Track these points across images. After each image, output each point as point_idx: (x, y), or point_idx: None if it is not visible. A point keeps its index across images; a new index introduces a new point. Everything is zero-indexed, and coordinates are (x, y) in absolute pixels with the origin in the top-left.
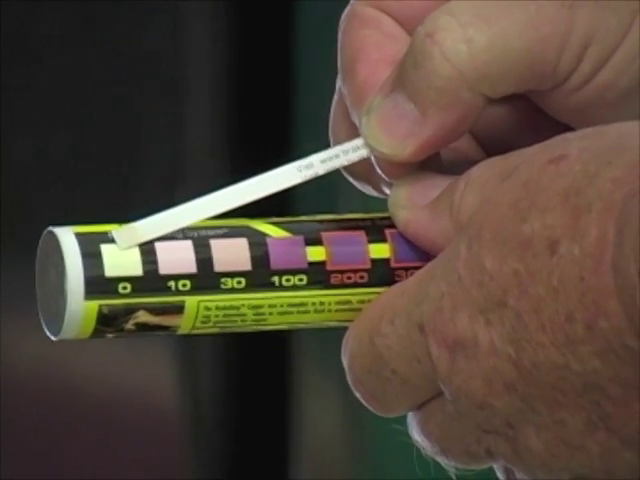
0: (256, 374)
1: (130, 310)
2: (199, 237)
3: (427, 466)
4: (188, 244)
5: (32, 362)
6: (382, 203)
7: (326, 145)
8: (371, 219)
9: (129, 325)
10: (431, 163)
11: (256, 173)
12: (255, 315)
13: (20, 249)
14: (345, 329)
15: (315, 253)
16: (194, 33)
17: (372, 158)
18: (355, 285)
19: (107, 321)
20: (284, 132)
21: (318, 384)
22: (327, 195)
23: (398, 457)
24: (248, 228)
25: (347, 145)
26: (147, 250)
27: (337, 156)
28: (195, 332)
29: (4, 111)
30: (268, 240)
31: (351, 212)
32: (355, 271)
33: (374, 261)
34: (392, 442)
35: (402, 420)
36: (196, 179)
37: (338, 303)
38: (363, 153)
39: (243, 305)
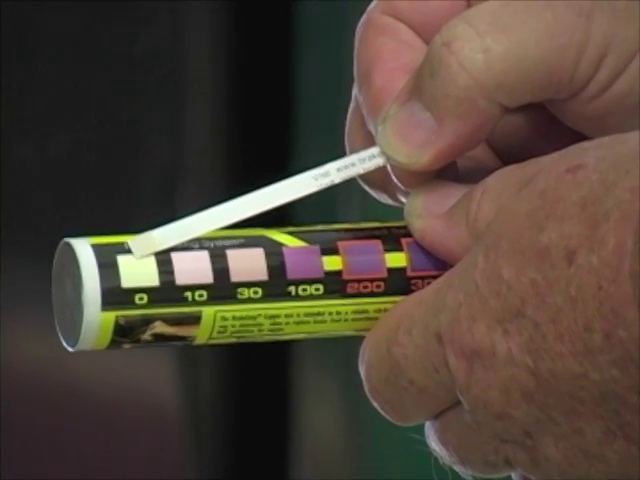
0: (256, 374)
1: (147, 321)
2: (215, 247)
3: (445, 475)
4: (204, 254)
5: (32, 362)
6: (381, 209)
7: (326, 146)
8: (387, 228)
9: (146, 336)
10: (447, 172)
11: (256, 175)
12: (272, 325)
13: (20, 250)
14: (362, 338)
15: (331, 262)
16: (194, 33)
17: (388, 167)
18: (372, 294)
19: (124, 332)
20: (284, 133)
21: (318, 385)
22: (326, 200)
23: (398, 457)
24: (264, 238)
25: (363, 153)
26: (163, 261)
27: (353, 164)
28: (212, 342)
29: (4, 111)
30: (284, 250)
31: (349, 218)
32: (371, 280)
33: (390, 270)
34: (391, 442)
35: (417, 429)
36: (196, 179)
37: (355, 312)
38: (379, 162)
39: (260, 315)
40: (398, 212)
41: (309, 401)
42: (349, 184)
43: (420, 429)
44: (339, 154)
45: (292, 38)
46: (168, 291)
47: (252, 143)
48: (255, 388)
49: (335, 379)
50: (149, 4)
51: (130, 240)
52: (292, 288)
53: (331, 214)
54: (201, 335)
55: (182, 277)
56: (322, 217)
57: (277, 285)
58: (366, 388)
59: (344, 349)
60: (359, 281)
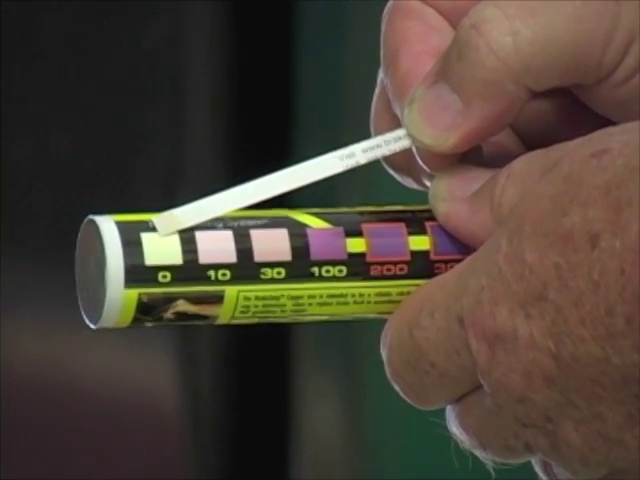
0: (256, 374)
1: (170, 299)
2: (239, 227)
3: (465, 460)
4: (228, 234)
5: (32, 362)
6: (382, 200)
7: (326, 144)
8: (411, 211)
9: (168, 314)
10: (472, 156)
11: (256, 173)
12: (294, 306)
13: (20, 249)
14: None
15: (355, 244)
16: (194, 33)
17: (413, 149)
18: (395, 277)
19: (147, 310)
20: (284, 132)
21: (318, 384)
22: (327, 193)
23: (398, 457)
24: (288, 219)
25: (389, 135)
26: (187, 239)
27: (379, 146)
28: (234, 322)
29: (4, 111)
30: (308, 231)
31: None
32: (395, 263)
33: (414, 253)
34: (392, 442)
35: (438, 413)
36: (196, 179)
37: (377, 295)
38: (405, 143)
39: (283, 295)
40: (400, 201)
41: (309, 401)
42: (350, 174)
43: (439, 413)
44: None
45: (292, 38)
46: (191, 270)
47: (252, 143)
48: (255, 388)
49: (335, 379)
50: (149, 4)
51: (154, 217)
52: (315, 269)
53: (332, 204)
54: (223, 314)
55: (205, 256)
56: (322, 205)
57: (300, 266)
58: (387, 371)
59: (344, 349)
60: (382, 264)
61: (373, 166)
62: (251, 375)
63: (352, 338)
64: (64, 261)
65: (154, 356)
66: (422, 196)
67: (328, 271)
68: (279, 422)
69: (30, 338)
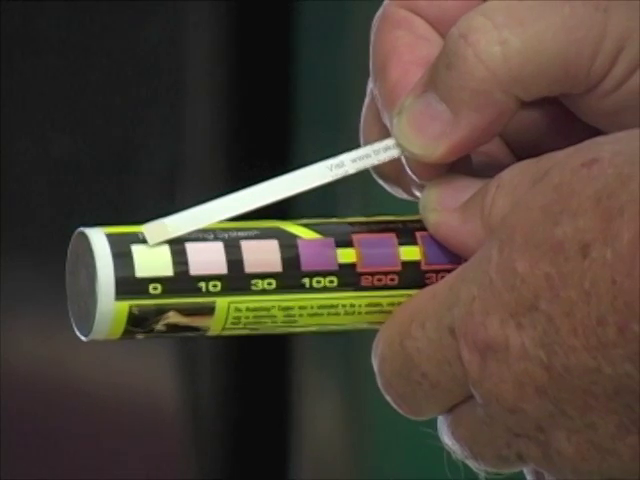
0: (256, 374)
1: (160, 311)
2: (230, 238)
3: (457, 469)
4: (219, 245)
5: (32, 362)
6: (381, 207)
7: (325, 144)
8: (402, 221)
9: (159, 326)
10: (462, 166)
11: (255, 175)
12: (285, 317)
13: (20, 249)
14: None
15: (346, 255)
16: (194, 33)
17: (403, 159)
18: (385, 287)
19: (137, 322)
20: (284, 133)
21: (318, 384)
22: (327, 199)
23: (397, 457)
24: (279, 230)
25: (378, 145)
26: (178, 251)
27: (368, 156)
28: (225, 333)
29: (4, 111)
30: (299, 242)
31: (349, 214)
32: (385, 273)
33: (405, 263)
34: (391, 442)
35: (430, 423)
36: (196, 179)
37: (368, 305)
38: (394, 153)
39: (273, 306)
40: (399, 209)
41: (309, 400)
42: (349, 182)
43: (431, 423)
44: (339, 153)
45: (292, 38)
46: (182, 281)
47: (252, 143)
48: (255, 388)
49: (335, 379)
50: (149, 4)
51: (144, 226)
52: (306, 280)
53: (331, 211)
54: (215, 326)
55: (196, 267)
56: (321, 213)
57: (291, 277)
58: (379, 382)
59: (344, 349)
60: (373, 274)
61: (372, 175)
62: (251, 375)
63: (352, 338)
64: (64, 262)
65: (154, 356)
66: None
67: (319, 282)
68: (279, 422)
69: (30, 338)
